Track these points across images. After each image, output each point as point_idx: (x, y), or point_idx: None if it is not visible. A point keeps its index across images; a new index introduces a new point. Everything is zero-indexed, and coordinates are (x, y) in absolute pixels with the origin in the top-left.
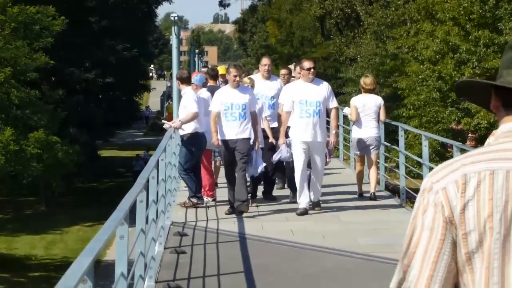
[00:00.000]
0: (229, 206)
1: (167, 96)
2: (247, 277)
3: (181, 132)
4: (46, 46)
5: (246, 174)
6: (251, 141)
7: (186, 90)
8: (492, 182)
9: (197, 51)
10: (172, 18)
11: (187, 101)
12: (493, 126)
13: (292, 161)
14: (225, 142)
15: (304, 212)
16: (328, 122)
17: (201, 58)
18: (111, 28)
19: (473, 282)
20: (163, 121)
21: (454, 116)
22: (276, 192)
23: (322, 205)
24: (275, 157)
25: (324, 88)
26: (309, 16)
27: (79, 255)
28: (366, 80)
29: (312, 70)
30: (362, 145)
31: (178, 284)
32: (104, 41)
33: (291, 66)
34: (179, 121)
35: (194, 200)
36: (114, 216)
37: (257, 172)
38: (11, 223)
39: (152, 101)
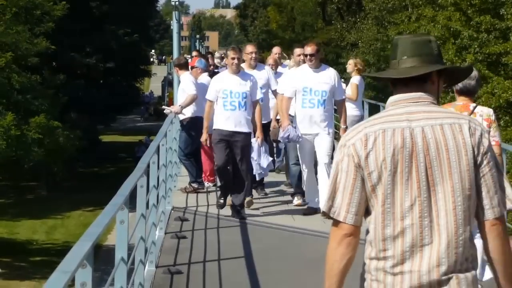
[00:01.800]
0: (221, 197)
1: (168, 82)
2: (247, 262)
3: (181, 117)
4: (47, 31)
5: (256, 175)
6: (251, 134)
7: (184, 75)
8: (384, 138)
9: (198, 36)
10: (173, 3)
11: (185, 84)
12: (494, 111)
13: (288, 157)
14: (220, 132)
15: (312, 212)
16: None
17: (202, 43)
18: (112, 13)
19: (377, 204)
20: (163, 106)
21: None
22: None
23: None
24: (283, 135)
25: (331, 76)
26: (311, 1)
27: (79, 240)
28: (361, 61)
29: (313, 56)
30: None
31: (179, 269)
32: (105, 26)
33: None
34: (179, 106)
35: (195, 185)
36: (114, 200)
37: (267, 172)
38: (12, 208)
39: (152, 86)
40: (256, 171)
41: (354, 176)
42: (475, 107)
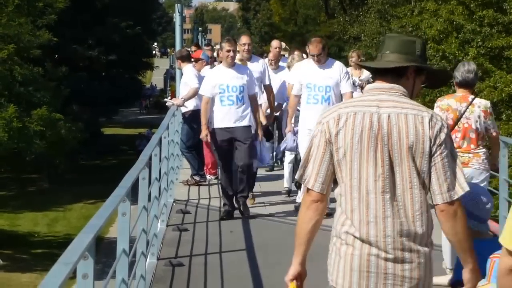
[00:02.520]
0: (224, 207)
1: (170, 76)
2: (249, 254)
3: (183, 110)
4: (49, 23)
5: (255, 166)
6: (253, 129)
7: (187, 67)
8: (354, 119)
9: (200, 29)
10: None
11: (188, 77)
12: (496, 105)
13: (299, 153)
14: (220, 130)
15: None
16: None
17: (205, 36)
18: (114, 5)
19: (346, 178)
20: (165, 99)
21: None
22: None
23: None
24: (281, 147)
25: (336, 70)
26: None
27: (81, 232)
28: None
29: (320, 56)
30: None
31: (180, 261)
32: (107, 19)
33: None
34: (181, 98)
35: (197, 178)
36: (116, 193)
37: (263, 163)
38: (14, 200)
39: (155, 79)
40: (255, 164)
41: (323, 150)
42: (473, 99)
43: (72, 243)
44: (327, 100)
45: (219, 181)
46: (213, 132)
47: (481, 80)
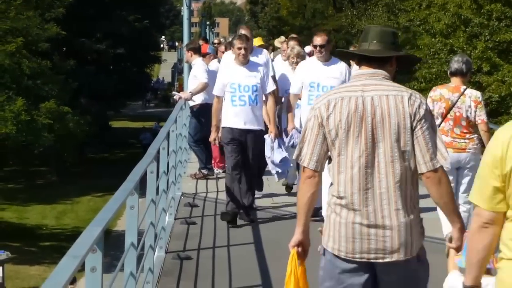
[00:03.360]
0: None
1: (178, 69)
2: (257, 248)
3: (191, 103)
4: (57, 16)
5: (275, 176)
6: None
7: (197, 61)
8: (341, 103)
9: (208, 22)
10: None
11: (197, 71)
12: (504, 99)
13: None
14: (230, 130)
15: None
16: None
17: (212, 29)
18: None
19: (334, 155)
20: (173, 92)
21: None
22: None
23: None
24: (288, 143)
25: (342, 70)
26: None
27: (89, 225)
28: None
29: (323, 48)
30: None
31: (188, 254)
32: (115, 12)
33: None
34: (189, 92)
35: (205, 171)
36: (124, 186)
37: (285, 170)
38: (22, 193)
39: (162, 72)
40: (272, 169)
41: (317, 132)
42: (465, 89)
43: (80, 236)
44: None
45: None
46: (222, 131)
47: (489, 74)
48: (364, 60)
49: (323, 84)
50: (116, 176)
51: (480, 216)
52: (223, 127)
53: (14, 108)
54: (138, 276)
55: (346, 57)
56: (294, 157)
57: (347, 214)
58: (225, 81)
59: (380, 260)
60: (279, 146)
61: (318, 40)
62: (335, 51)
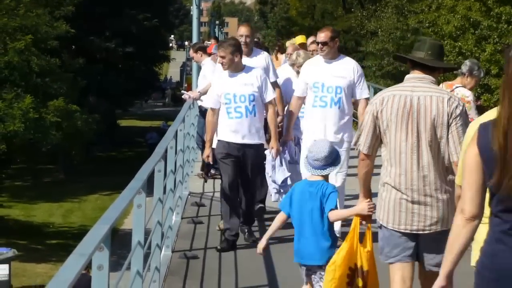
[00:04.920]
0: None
1: (186, 68)
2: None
3: (199, 103)
4: (67, 14)
5: (272, 195)
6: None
7: (206, 61)
8: (393, 100)
9: (217, 22)
10: None
11: (207, 71)
12: None
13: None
14: (226, 145)
15: None
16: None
17: (222, 29)
18: None
19: (388, 143)
20: (182, 91)
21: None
22: None
23: None
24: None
25: (350, 69)
26: None
27: (97, 223)
28: None
29: (325, 45)
30: None
31: (195, 254)
32: (124, 11)
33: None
34: (198, 92)
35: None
36: (132, 185)
37: (287, 189)
38: (29, 191)
39: (171, 71)
40: (270, 187)
41: (371, 124)
42: (456, 87)
43: (87, 234)
44: (337, 103)
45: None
46: (217, 145)
47: (497, 77)
48: (418, 66)
49: (328, 85)
50: (124, 175)
51: (459, 191)
52: (218, 141)
53: (23, 106)
54: (145, 275)
55: (403, 61)
56: (352, 143)
57: (395, 193)
58: (219, 91)
59: (421, 232)
60: (282, 164)
61: (321, 36)
62: (393, 55)
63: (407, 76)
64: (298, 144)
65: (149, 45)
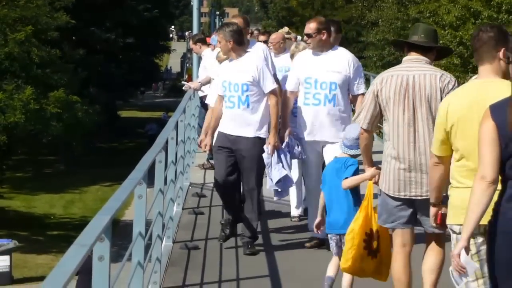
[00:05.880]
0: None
1: (187, 59)
2: (264, 237)
3: (200, 94)
4: (67, 5)
5: (275, 197)
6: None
7: (206, 52)
8: (391, 79)
9: (218, 12)
10: None
11: (207, 62)
12: None
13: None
14: (221, 137)
15: (316, 245)
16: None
17: (222, 19)
18: None
19: (386, 119)
20: (182, 82)
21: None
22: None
23: None
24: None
25: (345, 62)
26: None
27: (97, 213)
28: None
29: (310, 37)
30: None
31: (196, 244)
32: (125, 1)
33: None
34: (199, 82)
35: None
36: (132, 175)
37: (287, 189)
38: (30, 182)
39: (172, 62)
40: (270, 187)
41: (371, 101)
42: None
43: (88, 225)
44: (332, 101)
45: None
46: (215, 138)
47: None
48: (413, 48)
49: (321, 80)
50: (124, 166)
51: (433, 158)
52: (218, 131)
53: (23, 97)
54: (146, 266)
55: (401, 46)
56: (353, 118)
57: (395, 163)
58: (220, 78)
59: (418, 197)
60: (279, 161)
61: (307, 27)
62: (391, 41)
63: (404, 58)
64: (299, 139)
65: (150, 36)
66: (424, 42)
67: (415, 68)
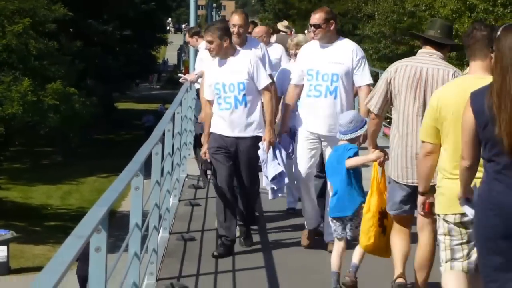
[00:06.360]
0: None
1: (184, 51)
2: (260, 229)
3: (197, 86)
4: None
5: (269, 193)
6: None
7: (202, 44)
8: (405, 69)
9: (214, 5)
10: None
11: (204, 54)
12: None
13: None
14: (218, 138)
15: (311, 239)
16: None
17: (219, 12)
18: None
19: (399, 107)
20: (179, 74)
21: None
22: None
23: None
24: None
25: (348, 53)
26: None
27: (94, 205)
28: None
29: (318, 28)
30: None
31: (192, 235)
32: None
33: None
34: (195, 75)
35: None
36: (129, 167)
37: (282, 186)
38: (27, 173)
39: (168, 54)
40: (266, 185)
41: (384, 88)
42: None
43: (85, 216)
44: (333, 93)
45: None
46: (210, 138)
47: None
48: (429, 43)
49: (323, 72)
50: (121, 157)
51: (424, 148)
52: (210, 133)
53: (21, 89)
54: (142, 257)
55: (417, 38)
56: (365, 102)
57: (402, 151)
58: (210, 82)
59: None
60: (274, 158)
61: (314, 18)
62: (409, 33)
63: (419, 51)
64: (293, 136)
65: (147, 28)
66: (439, 38)
67: (429, 61)
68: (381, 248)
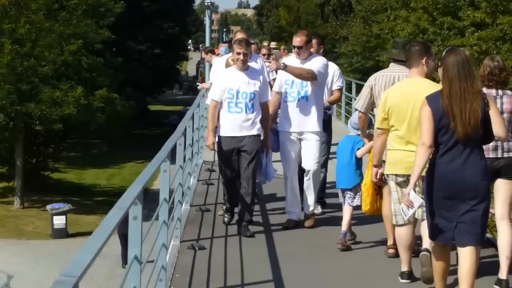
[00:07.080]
0: (228, 211)
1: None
2: (262, 203)
3: None
4: (109, 24)
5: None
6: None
7: (215, 59)
8: (382, 78)
9: (225, 29)
10: (206, 4)
11: (216, 67)
12: None
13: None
14: (226, 139)
15: (291, 225)
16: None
17: (228, 35)
18: (160, 10)
19: (377, 104)
20: (197, 83)
21: None
22: None
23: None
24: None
25: (317, 64)
26: (312, 4)
27: (132, 184)
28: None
29: (301, 49)
30: None
31: (208, 207)
32: (154, 20)
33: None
34: (210, 83)
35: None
36: (159, 155)
37: (268, 179)
38: (80, 160)
39: (189, 68)
40: (259, 179)
41: (368, 93)
42: None
43: (125, 192)
44: (304, 97)
45: (224, 194)
46: (218, 140)
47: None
48: (396, 59)
49: (296, 81)
50: (153, 147)
51: (377, 132)
52: (219, 136)
53: (75, 94)
54: (169, 224)
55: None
56: (354, 105)
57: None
58: (223, 86)
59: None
60: (270, 161)
61: (296, 41)
62: (380, 52)
63: (390, 64)
64: (276, 134)
65: (172, 48)
66: (401, 56)
67: (399, 71)
68: (375, 211)
